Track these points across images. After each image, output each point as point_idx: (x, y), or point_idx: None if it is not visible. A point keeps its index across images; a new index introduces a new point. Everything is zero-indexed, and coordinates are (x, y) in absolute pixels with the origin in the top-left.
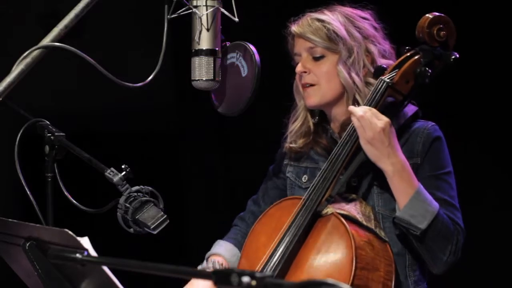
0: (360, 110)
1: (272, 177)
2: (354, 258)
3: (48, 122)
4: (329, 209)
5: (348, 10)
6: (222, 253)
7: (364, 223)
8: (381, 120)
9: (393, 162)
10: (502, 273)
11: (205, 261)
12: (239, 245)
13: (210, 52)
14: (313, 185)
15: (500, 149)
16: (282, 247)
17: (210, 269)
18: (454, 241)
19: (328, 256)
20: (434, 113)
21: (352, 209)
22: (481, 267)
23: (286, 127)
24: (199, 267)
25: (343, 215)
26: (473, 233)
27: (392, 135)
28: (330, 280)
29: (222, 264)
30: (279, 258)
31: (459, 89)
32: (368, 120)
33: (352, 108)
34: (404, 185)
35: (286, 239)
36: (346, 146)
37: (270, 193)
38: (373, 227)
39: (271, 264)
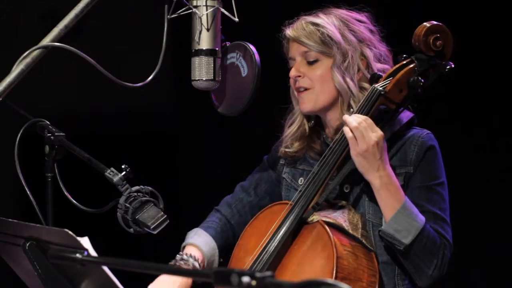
0: (354, 121)
1: (267, 169)
2: (334, 268)
3: (48, 122)
4: (315, 217)
5: (343, 13)
6: (199, 246)
7: (350, 232)
8: (376, 133)
9: (381, 175)
10: (497, 277)
11: (181, 252)
12: (218, 237)
13: (210, 52)
14: (300, 190)
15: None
16: (266, 252)
17: (187, 265)
18: (440, 256)
19: (310, 265)
20: (430, 120)
21: (340, 217)
22: (476, 272)
23: (282, 129)
24: (178, 257)
25: (329, 223)
26: (468, 237)
27: (384, 148)
28: (330, 280)
29: (197, 259)
30: (263, 263)
31: (456, 96)
32: (362, 132)
33: (346, 117)
34: (390, 199)
35: (271, 245)
36: (334, 155)
37: (263, 185)
38: (359, 236)
39: (256, 268)
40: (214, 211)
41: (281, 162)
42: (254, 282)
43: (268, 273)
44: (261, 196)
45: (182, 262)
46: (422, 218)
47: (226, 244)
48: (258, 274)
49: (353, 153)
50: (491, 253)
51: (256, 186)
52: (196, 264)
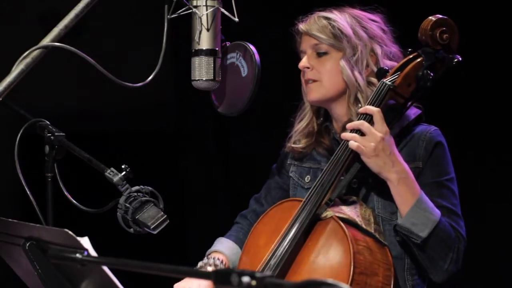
0: (374, 107)
1: (275, 177)
2: (352, 263)
3: (48, 122)
4: (329, 213)
5: (357, 11)
6: (223, 251)
7: (364, 226)
8: (379, 128)
9: (397, 170)
10: (502, 277)
11: (205, 258)
12: (241, 242)
13: (210, 52)
14: (313, 187)
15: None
16: (281, 249)
17: (211, 265)
18: (455, 250)
19: (326, 260)
20: (437, 116)
21: (352, 212)
22: (482, 272)
23: (292, 126)
24: (200, 264)
25: (343, 219)
26: (473, 237)
27: (391, 144)
28: (330, 280)
29: (222, 261)
30: (278, 260)
31: (462, 91)
32: (369, 128)
33: (345, 135)
34: (407, 193)
35: (285, 242)
36: (346, 150)
37: (273, 192)
38: (372, 230)
39: (270, 266)
40: (234, 224)
41: (288, 162)
42: (254, 282)
43: (268, 273)
44: (271, 203)
45: (203, 265)
46: (438, 212)
47: None
48: (258, 274)
49: (365, 152)
50: (491, 253)
51: (266, 196)
52: (218, 262)
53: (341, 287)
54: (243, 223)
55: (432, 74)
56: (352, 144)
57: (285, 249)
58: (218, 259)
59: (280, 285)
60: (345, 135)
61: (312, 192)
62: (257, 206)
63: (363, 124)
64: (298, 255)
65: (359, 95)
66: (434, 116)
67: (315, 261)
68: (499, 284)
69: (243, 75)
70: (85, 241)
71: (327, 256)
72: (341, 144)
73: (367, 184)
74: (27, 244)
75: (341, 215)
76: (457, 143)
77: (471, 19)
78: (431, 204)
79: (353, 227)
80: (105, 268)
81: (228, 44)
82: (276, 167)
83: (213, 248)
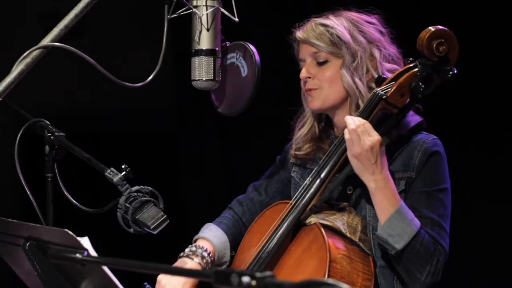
0: (353, 123)
1: (278, 169)
2: (326, 272)
3: (48, 122)
4: (313, 219)
5: (353, 14)
6: (211, 239)
7: (348, 235)
8: (372, 137)
9: (375, 179)
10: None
11: (192, 245)
12: (229, 232)
13: (210, 52)
14: (300, 192)
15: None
16: (264, 252)
17: (198, 256)
18: (434, 262)
19: (305, 266)
20: (437, 124)
21: (338, 219)
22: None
23: (293, 132)
24: (186, 251)
25: (326, 226)
26: (472, 243)
27: (380, 153)
28: (330, 280)
29: (209, 253)
30: (260, 262)
31: (463, 100)
32: (358, 135)
33: (347, 118)
34: (385, 203)
35: (268, 245)
36: (334, 156)
37: (274, 185)
38: (356, 239)
39: (252, 267)
40: (227, 209)
41: (291, 161)
42: (254, 282)
43: (268, 273)
44: (271, 195)
45: (190, 253)
46: (417, 224)
47: (238, 240)
48: (258, 274)
49: (348, 154)
50: (493, 256)
51: (266, 186)
52: (205, 254)
53: (341, 287)
54: (237, 210)
55: (423, 86)
56: (346, 134)
57: (268, 252)
58: (206, 250)
59: (280, 285)
60: (347, 118)
61: (300, 195)
62: (255, 194)
63: (360, 126)
64: (280, 258)
65: (360, 102)
66: (435, 124)
67: (295, 265)
68: (499, 283)
69: (243, 75)
70: (85, 241)
71: (306, 262)
72: (329, 150)
73: (361, 191)
74: (27, 244)
75: (325, 222)
76: (454, 145)
77: (470, 21)
78: (411, 216)
79: (336, 235)
80: (105, 268)
81: (228, 44)
82: (280, 160)
83: (201, 234)
